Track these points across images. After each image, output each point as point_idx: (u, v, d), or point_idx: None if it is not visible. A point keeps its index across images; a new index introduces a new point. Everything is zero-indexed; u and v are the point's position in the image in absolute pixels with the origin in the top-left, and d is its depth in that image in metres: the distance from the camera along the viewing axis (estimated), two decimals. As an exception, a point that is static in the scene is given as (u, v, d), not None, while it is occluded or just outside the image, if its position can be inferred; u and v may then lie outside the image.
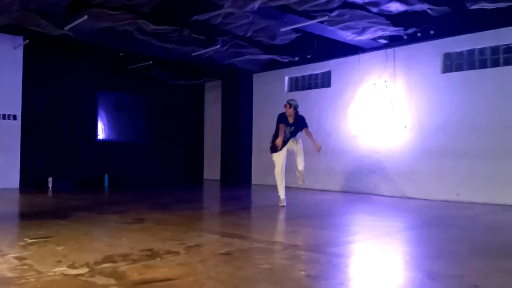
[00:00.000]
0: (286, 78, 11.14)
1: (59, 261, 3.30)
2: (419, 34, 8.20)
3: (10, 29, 8.20)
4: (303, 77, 10.85)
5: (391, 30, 8.15)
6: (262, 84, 11.67)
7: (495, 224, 5.75)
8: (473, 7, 6.73)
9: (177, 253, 3.64)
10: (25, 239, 4.15)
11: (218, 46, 9.20)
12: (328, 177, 9.94)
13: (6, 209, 4.89)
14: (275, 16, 7.50)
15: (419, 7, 7.21)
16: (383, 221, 5.90)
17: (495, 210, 6.85)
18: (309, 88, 10.65)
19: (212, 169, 13.08)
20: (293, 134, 6.84)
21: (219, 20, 7.74)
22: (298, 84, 11.00)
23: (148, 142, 12.43)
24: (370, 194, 9.07)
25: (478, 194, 7.60)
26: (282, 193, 7.00)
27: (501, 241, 4.62)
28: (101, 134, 12.20)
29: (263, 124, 11.55)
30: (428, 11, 7.36)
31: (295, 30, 8.49)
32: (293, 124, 6.82)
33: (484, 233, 5.05)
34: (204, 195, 9.72)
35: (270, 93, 11.41)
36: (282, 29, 8.18)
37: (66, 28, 7.81)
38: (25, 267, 3.15)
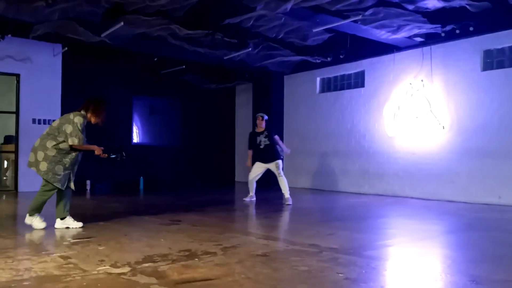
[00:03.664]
0: (318, 79, 11.05)
1: (102, 260, 3.40)
2: (457, 31, 7.95)
3: (50, 38, 8.52)
4: (336, 77, 10.74)
5: (427, 28, 7.95)
6: (293, 85, 11.63)
7: (541, 227, 5.49)
8: None
9: (215, 253, 3.66)
10: (69, 239, 4.29)
11: (250, 49, 9.23)
12: (363, 180, 9.78)
13: (48, 211, 5.06)
14: (307, 17, 7.45)
15: (457, 3, 6.99)
16: (422, 225, 5.73)
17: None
18: (342, 88, 10.53)
19: (243, 172, 13.08)
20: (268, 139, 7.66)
21: (251, 23, 7.76)
22: (330, 85, 10.89)
23: (181, 145, 12.63)
24: (407, 197, 8.85)
25: (522, 196, 7.29)
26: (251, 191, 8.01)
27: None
28: (135, 138, 12.44)
29: (294, 126, 11.51)
30: (467, 7, 7.11)
31: (328, 30, 8.40)
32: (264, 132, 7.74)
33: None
34: (236, 197, 9.73)
35: (302, 94, 11.34)
36: (315, 30, 8.11)
37: (103, 35, 8.03)
38: (70, 265, 3.25)
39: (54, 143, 4.70)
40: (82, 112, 4.89)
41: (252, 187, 8.04)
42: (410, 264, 3.61)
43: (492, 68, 7.91)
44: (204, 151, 13.00)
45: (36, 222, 4.83)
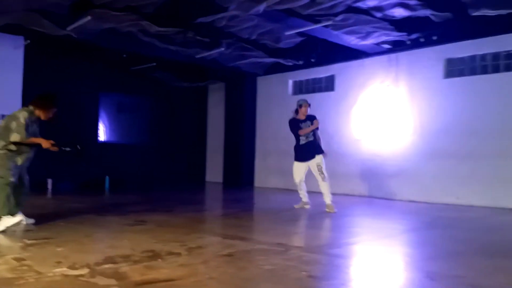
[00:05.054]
0: (290, 81, 11.14)
1: (59, 262, 3.27)
2: (422, 40, 8.22)
3: (11, 29, 8.15)
4: (307, 80, 10.86)
5: (394, 35, 8.16)
6: (266, 87, 11.67)
7: (494, 226, 5.81)
8: (475, 14, 6.72)
9: (179, 254, 3.61)
10: (25, 240, 4.11)
11: (223, 49, 9.19)
12: (331, 180, 9.83)
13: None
14: (280, 20, 7.49)
15: (422, 12, 7.20)
16: (385, 223, 5.90)
17: (495, 213, 6.90)
18: (313, 91, 10.65)
19: (214, 171, 13.05)
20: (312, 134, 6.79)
21: (223, 23, 7.72)
22: (302, 88, 11.00)
23: (151, 144, 12.42)
24: (373, 197, 9.05)
25: (478, 197, 7.65)
26: (304, 197, 7.05)
27: (500, 241, 4.66)
28: (102, 136, 12.17)
29: (266, 127, 11.54)
30: (431, 17, 7.34)
31: (300, 33, 8.47)
32: (307, 120, 6.85)
33: (483, 234, 5.07)
34: (206, 197, 9.69)
35: (274, 96, 11.40)
36: (287, 33, 8.18)
37: (69, 28, 7.78)
38: (25, 267, 3.11)
39: (4, 143, 4.61)
40: (30, 107, 4.80)
41: (303, 192, 7.00)
42: (371, 262, 3.70)
43: (453, 76, 8.24)
44: (174, 150, 12.82)
45: (6, 221, 4.57)
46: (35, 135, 4.76)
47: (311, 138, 6.79)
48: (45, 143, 4.70)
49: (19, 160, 4.70)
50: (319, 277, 3.07)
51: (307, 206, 7.01)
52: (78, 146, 4.93)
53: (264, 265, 3.31)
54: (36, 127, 4.82)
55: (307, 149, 6.80)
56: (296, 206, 7.04)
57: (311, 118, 6.87)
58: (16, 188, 4.74)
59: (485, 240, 4.69)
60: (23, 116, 4.66)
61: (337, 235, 4.95)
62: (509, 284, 2.98)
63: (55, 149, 4.77)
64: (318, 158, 6.72)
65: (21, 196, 4.84)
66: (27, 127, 4.65)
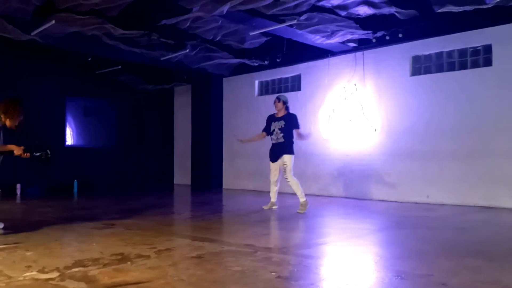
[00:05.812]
0: (256, 82, 11.18)
1: (29, 266, 3.27)
2: (387, 37, 8.27)
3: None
4: (273, 81, 10.92)
5: (360, 34, 8.23)
6: (233, 88, 11.68)
7: (463, 225, 5.84)
8: (440, 10, 6.72)
9: (148, 257, 3.61)
10: (-7, 245, 4.05)
11: (187, 50, 9.15)
12: (300, 181, 9.91)
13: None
14: (244, 20, 7.51)
15: (387, 10, 7.24)
16: (354, 223, 5.96)
17: (464, 211, 6.95)
18: (280, 91, 10.70)
19: (182, 174, 12.98)
20: (283, 131, 6.74)
21: (188, 24, 7.70)
22: (268, 88, 11.05)
23: (118, 147, 12.27)
24: (341, 197, 9.13)
25: (447, 196, 7.73)
26: (273, 198, 7.10)
27: (469, 240, 4.71)
28: (69, 140, 11.94)
29: (233, 128, 11.55)
30: (396, 14, 7.39)
31: (264, 34, 8.53)
32: (281, 119, 6.83)
33: (452, 233, 5.13)
34: (175, 200, 9.63)
35: (241, 97, 11.42)
36: (251, 33, 8.20)
37: (33, 33, 7.62)
38: (-6, 272, 3.09)
39: None
40: None
41: (274, 192, 7.02)
42: (340, 262, 3.76)
43: (420, 74, 8.33)
44: (142, 153, 12.70)
45: None
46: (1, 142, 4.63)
47: (281, 140, 6.76)
48: (17, 150, 4.57)
49: None
50: (288, 277, 3.10)
51: (275, 207, 7.07)
52: (48, 151, 4.83)
53: (233, 267, 3.34)
54: (1, 134, 4.68)
55: (274, 150, 6.89)
56: (264, 207, 7.08)
57: (288, 118, 6.83)
58: None
59: (454, 239, 4.75)
60: None
61: (306, 236, 5.01)
62: (477, 282, 3.04)
63: (26, 155, 4.66)
64: (285, 158, 6.74)
65: None
66: None
